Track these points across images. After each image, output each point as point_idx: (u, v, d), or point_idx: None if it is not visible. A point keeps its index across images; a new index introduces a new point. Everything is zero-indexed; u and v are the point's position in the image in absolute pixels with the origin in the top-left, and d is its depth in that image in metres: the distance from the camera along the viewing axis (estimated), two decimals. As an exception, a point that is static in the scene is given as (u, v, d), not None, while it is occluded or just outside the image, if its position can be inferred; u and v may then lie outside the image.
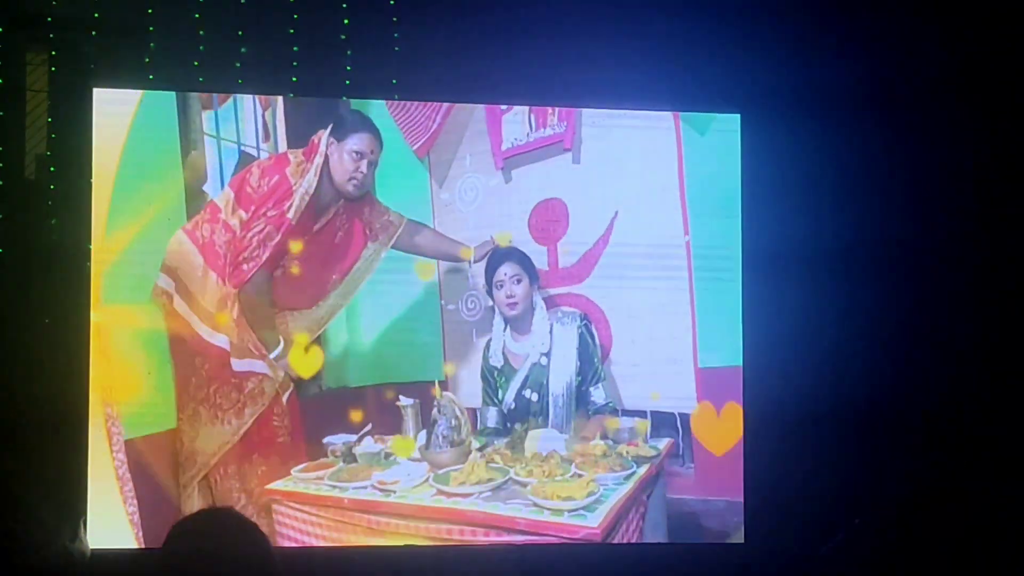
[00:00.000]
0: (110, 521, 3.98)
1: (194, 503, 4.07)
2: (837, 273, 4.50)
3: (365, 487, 4.15)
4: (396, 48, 4.34)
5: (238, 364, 4.16)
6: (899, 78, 4.56)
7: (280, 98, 4.24)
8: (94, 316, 4.04)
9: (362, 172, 4.23)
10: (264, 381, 4.18)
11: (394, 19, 4.33)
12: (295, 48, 4.27)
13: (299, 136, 4.24)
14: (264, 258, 4.17)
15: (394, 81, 4.31)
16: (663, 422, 4.38)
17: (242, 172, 4.20)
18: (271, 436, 4.18)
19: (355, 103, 4.29)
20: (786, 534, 4.23)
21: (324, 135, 4.22)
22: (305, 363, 4.23)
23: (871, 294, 4.51)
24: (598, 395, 4.36)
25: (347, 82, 4.32)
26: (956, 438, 4.46)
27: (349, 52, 4.31)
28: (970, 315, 4.57)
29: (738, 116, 4.44)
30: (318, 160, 4.20)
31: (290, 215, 4.20)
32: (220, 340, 4.15)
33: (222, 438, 4.13)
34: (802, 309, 4.43)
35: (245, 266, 4.16)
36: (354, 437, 4.23)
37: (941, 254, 4.57)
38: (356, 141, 4.23)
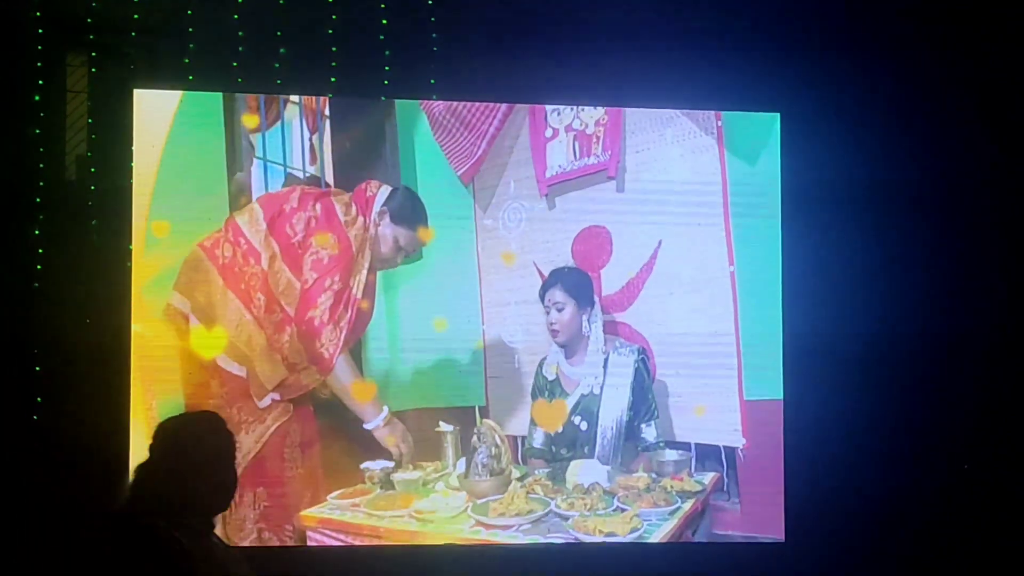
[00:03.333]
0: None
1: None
2: (881, 294, 4.41)
3: (402, 516, 4.04)
4: (435, 48, 4.33)
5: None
6: (941, 85, 4.51)
7: (327, 123, 4.22)
8: (135, 317, 4.02)
9: (397, 261, 4.22)
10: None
11: (432, 19, 4.32)
12: (334, 49, 4.27)
13: (344, 158, 4.21)
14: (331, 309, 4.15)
15: (432, 81, 4.30)
16: (707, 455, 4.28)
17: (277, 203, 4.14)
18: (297, 460, 4.12)
19: (405, 179, 4.24)
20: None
21: (378, 196, 4.17)
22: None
23: (916, 314, 4.42)
24: (649, 433, 4.25)
25: (386, 82, 4.31)
26: (1009, 472, 4.36)
27: (388, 52, 4.30)
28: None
29: (778, 115, 4.38)
30: (372, 231, 4.18)
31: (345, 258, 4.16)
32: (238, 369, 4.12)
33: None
34: (843, 336, 4.33)
35: (312, 313, 4.14)
36: (392, 463, 4.14)
37: (999, 267, 4.50)
38: (404, 237, 4.20)
